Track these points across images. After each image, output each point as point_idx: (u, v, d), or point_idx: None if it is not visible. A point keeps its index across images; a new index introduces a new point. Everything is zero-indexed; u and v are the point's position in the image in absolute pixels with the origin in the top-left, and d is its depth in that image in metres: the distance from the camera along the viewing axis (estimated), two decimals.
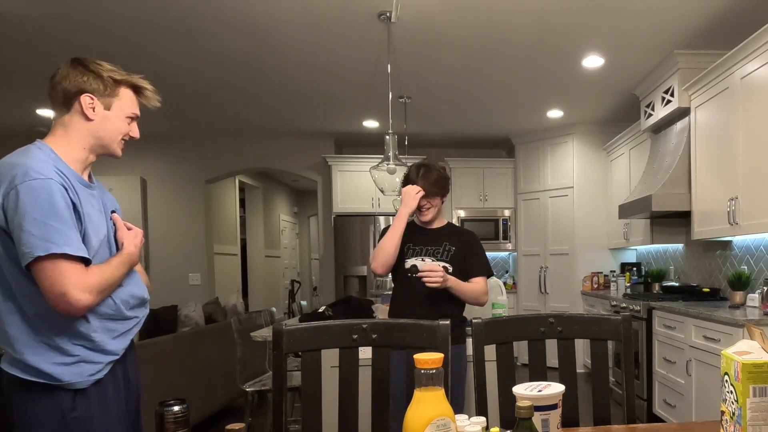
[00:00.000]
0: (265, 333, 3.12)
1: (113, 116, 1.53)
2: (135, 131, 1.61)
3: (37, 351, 1.40)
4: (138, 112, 1.60)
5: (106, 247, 1.52)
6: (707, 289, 4.22)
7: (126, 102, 1.55)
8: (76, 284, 1.35)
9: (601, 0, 3.18)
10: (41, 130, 5.90)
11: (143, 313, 1.61)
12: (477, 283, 2.46)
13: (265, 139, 6.47)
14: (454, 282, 2.36)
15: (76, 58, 1.52)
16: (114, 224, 1.58)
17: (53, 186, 1.35)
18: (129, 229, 1.60)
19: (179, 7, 3.21)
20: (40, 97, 4.78)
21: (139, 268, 1.65)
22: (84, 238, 1.42)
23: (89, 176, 1.56)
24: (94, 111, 1.49)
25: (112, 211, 1.60)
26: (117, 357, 1.52)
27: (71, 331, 1.42)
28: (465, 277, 2.47)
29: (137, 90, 1.59)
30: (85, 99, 1.48)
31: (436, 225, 2.55)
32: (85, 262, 1.40)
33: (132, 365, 1.63)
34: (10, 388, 1.41)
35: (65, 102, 1.48)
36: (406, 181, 2.50)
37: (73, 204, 1.40)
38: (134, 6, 3.18)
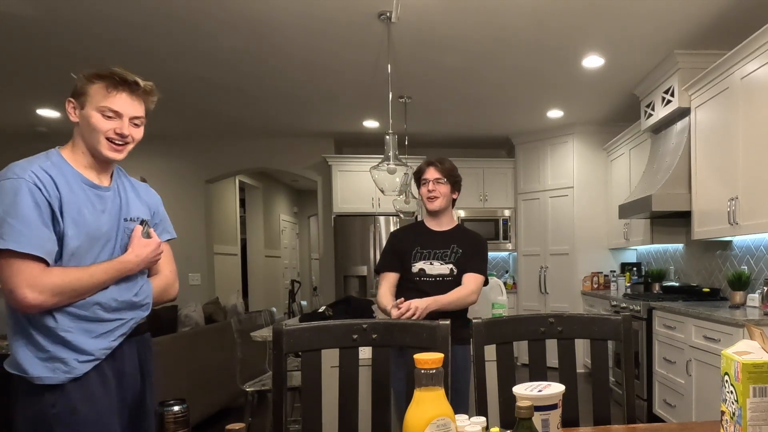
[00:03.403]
0: (265, 333, 3.12)
1: (87, 114, 1.51)
2: (122, 128, 1.51)
3: (20, 344, 1.44)
4: (112, 106, 1.49)
5: (98, 247, 1.52)
6: (707, 289, 4.22)
7: (93, 96, 1.49)
8: (26, 282, 1.38)
9: (601, 0, 3.18)
10: (41, 130, 5.90)
11: (131, 315, 1.59)
12: (464, 284, 2.41)
13: (265, 139, 6.47)
14: (434, 305, 2.29)
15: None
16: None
17: (22, 185, 1.39)
18: (149, 237, 1.64)
19: (179, 7, 3.21)
20: (40, 97, 4.78)
21: (166, 271, 1.72)
22: (62, 239, 1.44)
23: (110, 177, 1.61)
24: (75, 114, 1.53)
25: (144, 221, 1.64)
26: (93, 357, 1.50)
27: (43, 328, 1.44)
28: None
29: (115, 84, 1.50)
30: (67, 105, 1.53)
31: (445, 227, 2.53)
32: (45, 261, 1.41)
33: (129, 361, 1.62)
34: (6, 384, 1.45)
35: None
36: (418, 172, 2.52)
37: (50, 204, 1.42)
38: (134, 6, 3.18)
